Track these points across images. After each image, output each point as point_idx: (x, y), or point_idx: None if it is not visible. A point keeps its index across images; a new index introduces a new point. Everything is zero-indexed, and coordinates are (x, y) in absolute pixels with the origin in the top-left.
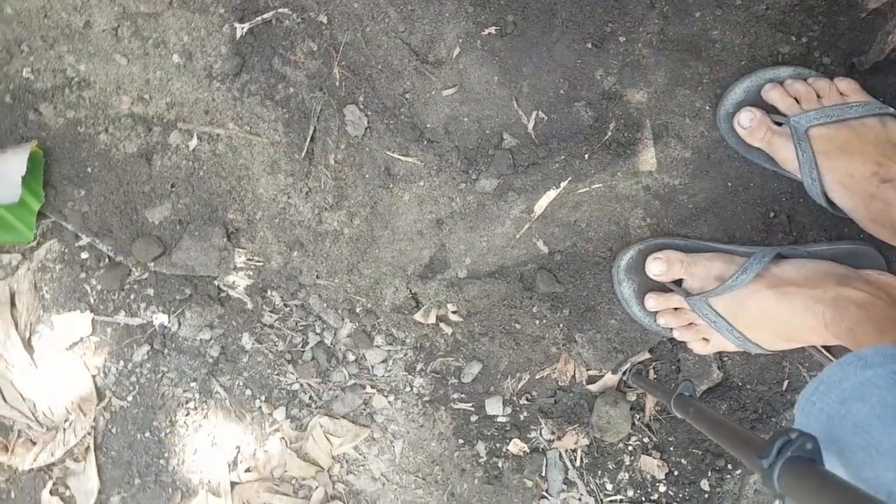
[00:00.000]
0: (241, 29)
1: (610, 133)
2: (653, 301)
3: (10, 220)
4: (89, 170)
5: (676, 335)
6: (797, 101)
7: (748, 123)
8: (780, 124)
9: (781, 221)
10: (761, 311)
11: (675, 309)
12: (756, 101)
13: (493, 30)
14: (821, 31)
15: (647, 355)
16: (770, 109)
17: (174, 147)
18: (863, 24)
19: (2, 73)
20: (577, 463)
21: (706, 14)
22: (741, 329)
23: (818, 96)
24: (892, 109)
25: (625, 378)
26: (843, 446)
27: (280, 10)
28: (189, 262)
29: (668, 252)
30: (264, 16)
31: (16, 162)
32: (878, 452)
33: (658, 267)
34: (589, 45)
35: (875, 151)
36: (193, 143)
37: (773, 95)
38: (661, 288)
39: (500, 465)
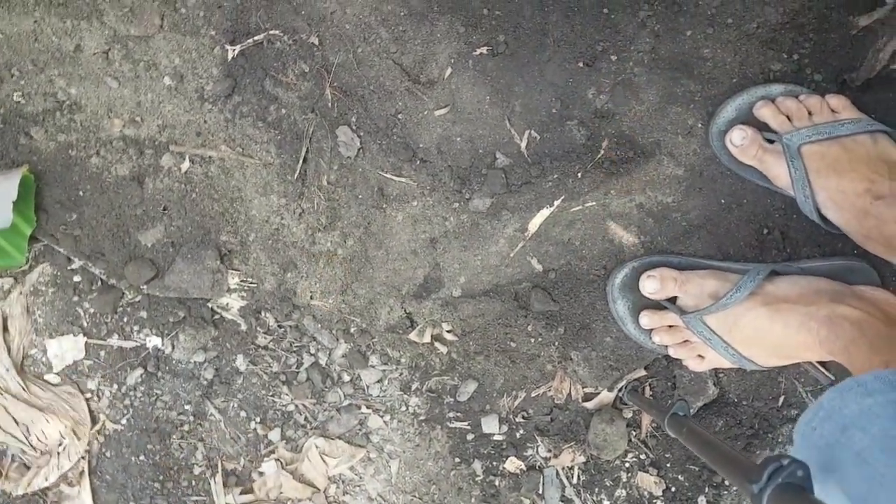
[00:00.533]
0: (233, 51)
1: (602, 151)
2: (647, 318)
3: (1, 244)
4: (81, 193)
5: (671, 352)
6: (789, 119)
7: (740, 141)
8: (771, 141)
9: (775, 238)
10: (756, 328)
11: (670, 326)
12: (748, 118)
13: (484, 50)
14: (812, 49)
15: (643, 372)
16: (762, 127)
17: (166, 169)
18: (853, 41)
19: None
20: (574, 480)
21: (697, 32)
22: (736, 346)
23: (809, 113)
24: (883, 126)
25: (620, 395)
26: (844, 476)
27: (271, 32)
28: (182, 285)
29: (661, 270)
30: (255, 38)
31: (7, 187)
32: (881, 485)
33: (652, 285)
34: (580, 65)
35: (867, 168)
36: (185, 165)
37: (764, 113)
38: (656, 306)
39: (496, 483)
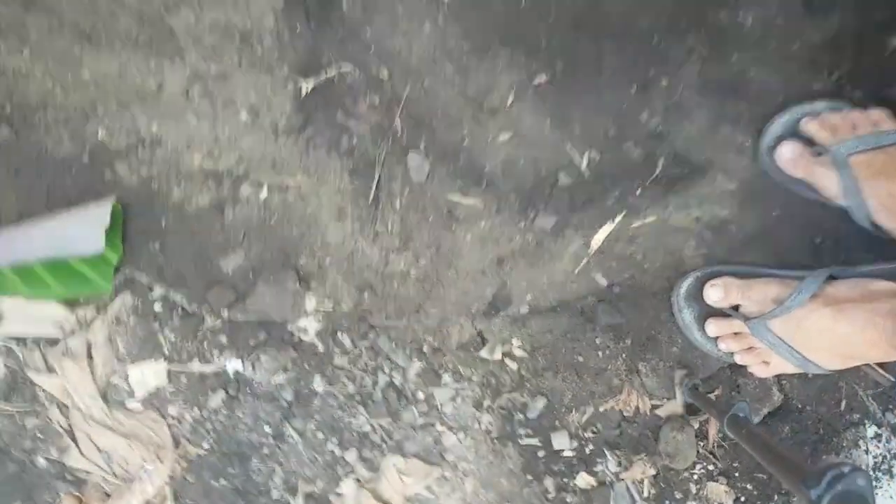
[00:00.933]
0: (306, 86)
1: (659, 169)
2: (714, 326)
3: (88, 273)
4: (164, 224)
5: (737, 359)
6: (833, 133)
7: (790, 154)
8: (819, 154)
9: (828, 246)
10: (820, 329)
11: (736, 333)
12: (794, 134)
13: (543, 78)
14: (850, 68)
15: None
16: (808, 142)
17: (245, 199)
18: (890, 59)
19: (79, 134)
20: (645, 494)
21: (742, 56)
22: (800, 349)
23: (853, 127)
24: None
25: (681, 392)
26: None
27: (342, 69)
28: (263, 308)
29: (725, 279)
30: (327, 73)
31: (99, 214)
32: None
33: (716, 293)
34: (634, 89)
35: None
36: (263, 194)
37: (810, 128)
38: (721, 314)
39: (568, 500)
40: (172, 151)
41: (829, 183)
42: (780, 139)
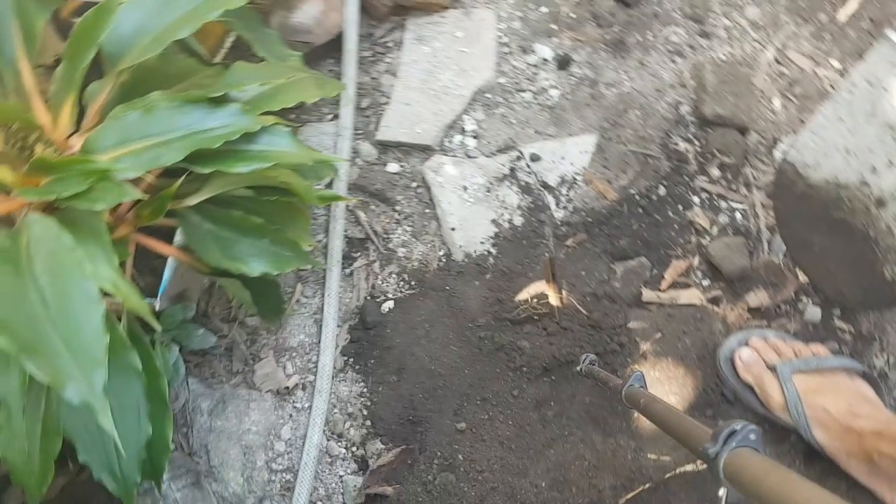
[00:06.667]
0: None
1: None
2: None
3: None
4: None
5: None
6: (778, 353)
7: (747, 358)
8: (768, 368)
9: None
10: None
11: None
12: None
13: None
14: None
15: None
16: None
17: None
18: None
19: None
20: None
21: None
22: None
23: (795, 352)
24: (858, 366)
25: (579, 370)
26: None
27: None
28: None
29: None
30: None
31: None
32: None
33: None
34: None
35: (848, 393)
36: None
37: (759, 345)
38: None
39: None
40: None
41: (774, 393)
42: (734, 350)
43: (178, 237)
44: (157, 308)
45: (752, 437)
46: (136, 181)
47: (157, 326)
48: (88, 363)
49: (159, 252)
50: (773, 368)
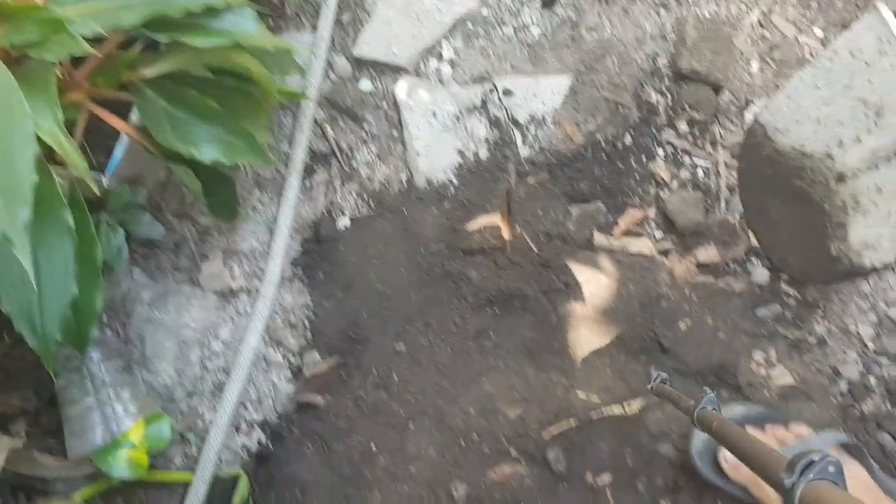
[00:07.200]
0: None
1: None
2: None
3: None
4: None
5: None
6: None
7: (734, 459)
8: None
9: None
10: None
11: None
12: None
13: None
14: None
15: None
16: None
17: None
18: None
19: None
20: None
21: None
22: None
23: (779, 441)
24: (844, 437)
25: (650, 387)
26: None
27: None
28: None
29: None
30: None
31: None
32: None
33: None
34: None
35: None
36: None
37: None
38: None
39: None
40: None
41: (768, 489)
42: (706, 443)
43: (134, 116)
44: (106, 185)
45: (831, 469)
46: (95, 47)
47: (95, 189)
48: (12, 196)
49: (112, 126)
50: None
